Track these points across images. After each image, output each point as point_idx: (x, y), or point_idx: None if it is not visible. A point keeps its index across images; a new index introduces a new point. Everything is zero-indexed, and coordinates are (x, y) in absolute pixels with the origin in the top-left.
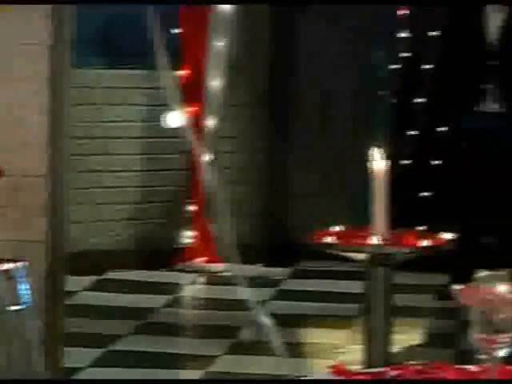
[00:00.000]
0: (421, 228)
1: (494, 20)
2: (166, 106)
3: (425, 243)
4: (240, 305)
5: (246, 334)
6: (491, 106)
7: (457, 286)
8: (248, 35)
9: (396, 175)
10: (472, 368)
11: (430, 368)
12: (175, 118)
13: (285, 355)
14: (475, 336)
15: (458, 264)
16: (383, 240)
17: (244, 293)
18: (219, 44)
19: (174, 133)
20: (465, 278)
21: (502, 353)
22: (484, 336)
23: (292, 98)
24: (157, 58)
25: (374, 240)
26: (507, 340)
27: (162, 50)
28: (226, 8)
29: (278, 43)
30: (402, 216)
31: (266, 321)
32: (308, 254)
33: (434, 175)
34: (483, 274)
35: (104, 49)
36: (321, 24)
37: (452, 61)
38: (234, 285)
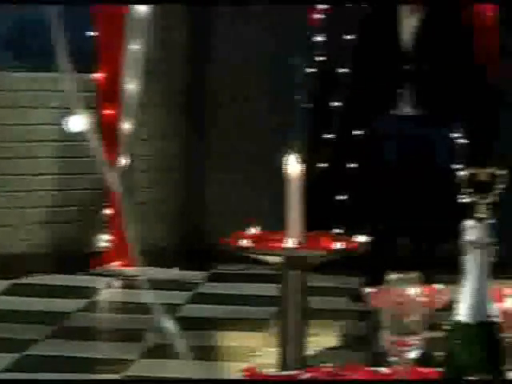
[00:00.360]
0: (336, 231)
1: (409, 24)
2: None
3: (339, 246)
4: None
5: (149, 338)
6: (406, 110)
7: (368, 289)
8: (164, 37)
9: (312, 178)
10: (383, 370)
11: (342, 370)
12: (77, 122)
13: (190, 359)
14: (386, 338)
15: (372, 266)
16: (298, 243)
17: (149, 296)
18: (135, 46)
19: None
20: (378, 280)
21: (412, 355)
22: (395, 338)
23: (208, 101)
24: (59, 60)
25: (289, 243)
26: (418, 342)
27: (63, 52)
28: (142, 9)
29: (194, 45)
30: (318, 219)
31: (170, 325)
32: (224, 257)
33: (350, 178)
34: (394, 276)
35: (18, 51)
36: (238, 25)
37: (367, 64)
38: (148, 289)
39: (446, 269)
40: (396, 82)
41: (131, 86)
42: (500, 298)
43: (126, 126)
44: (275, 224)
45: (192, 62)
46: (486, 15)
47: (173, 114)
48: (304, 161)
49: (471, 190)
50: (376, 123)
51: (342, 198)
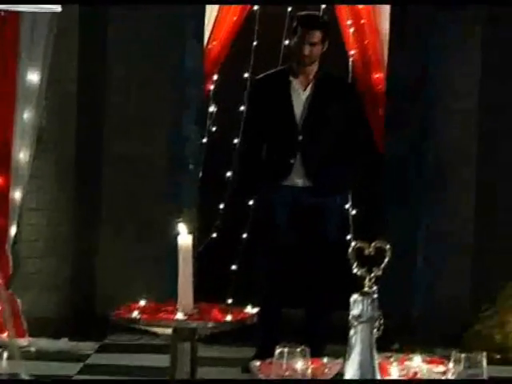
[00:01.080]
0: (228, 301)
1: (300, 96)
2: None
3: (229, 318)
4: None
5: None
6: (297, 181)
7: (256, 362)
8: (56, 106)
9: (205, 248)
10: None
11: None
12: None
13: None
14: None
15: (261, 338)
16: (187, 314)
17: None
18: (26, 115)
19: None
20: (268, 352)
21: None
22: None
23: (99, 169)
24: None
25: (179, 315)
26: None
27: None
28: (34, 79)
29: (85, 115)
30: (210, 289)
31: None
32: (115, 328)
33: (242, 248)
34: (282, 349)
35: None
36: (132, 90)
37: (258, 135)
38: (38, 359)
39: (339, 340)
40: (288, 153)
41: (21, 154)
42: (385, 370)
43: (16, 194)
44: (171, 293)
45: (84, 132)
46: (375, 88)
47: (64, 183)
48: (196, 231)
49: (357, 264)
50: (267, 194)
51: (233, 267)
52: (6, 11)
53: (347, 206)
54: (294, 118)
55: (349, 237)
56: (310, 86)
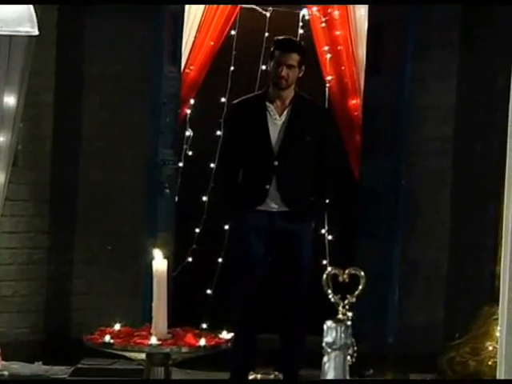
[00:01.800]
0: (203, 326)
1: (276, 122)
2: None
3: (203, 343)
4: None
5: None
6: (272, 205)
7: None
8: (32, 129)
9: (180, 272)
10: None
11: None
12: None
13: None
14: None
15: (235, 364)
16: (161, 339)
17: None
18: (2, 139)
19: None
20: (243, 376)
21: None
22: None
23: (74, 194)
24: None
25: (153, 339)
26: None
27: None
28: (10, 102)
29: (60, 139)
30: (185, 313)
31: None
32: (90, 352)
33: (217, 273)
34: (255, 375)
35: None
36: (106, 114)
37: (233, 159)
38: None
39: (312, 365)
40: (263, 178)
41: None
42: None
43: None
44: (146, 318)
45: (61, 156)
46: (352, 114)
47: (39, 207)
48: (171, 255)
49: (331, 291)
50: (243, 218)
51: (208, 292)
52: None
53: (323, 231)
54: (269, 144)
55: (324, 262)
56: (286, 111)
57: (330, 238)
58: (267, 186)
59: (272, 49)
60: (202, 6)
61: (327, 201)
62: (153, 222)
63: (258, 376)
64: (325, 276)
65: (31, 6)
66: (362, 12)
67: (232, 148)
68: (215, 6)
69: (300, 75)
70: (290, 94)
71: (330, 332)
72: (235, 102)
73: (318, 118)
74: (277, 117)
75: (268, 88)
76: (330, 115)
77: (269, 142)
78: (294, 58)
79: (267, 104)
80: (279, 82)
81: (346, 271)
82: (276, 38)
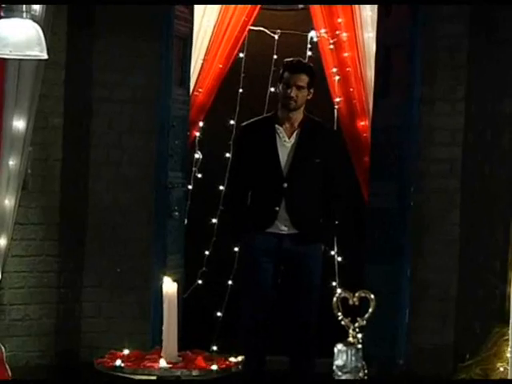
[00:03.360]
0: (213, 348)
1: (285, 144)
2: None
3: (214, 366)
4: None
5: None
6: (282, 228)
7: None
8: (40, 154)
9: (190, 295)
10: None
11: None
12: None
13: None
14: None
15: None
16: (171, 363)
17: None
18: (11, 162)
19: None
20: None
21: None
22: None
23: (83, 217)
24: None
25: (163, 363)
26: None
27: None
28: (20, 126)
29: (70, 163)
30: (195, 335)
31: None
32: (100, 375)
33: (228, 295)
34: None
35: None
36: (114, 135)
37: (242, 181)
38: None
39: None
40: (273, 200)
41: (7, 201)
42: None
43: (1, 242)
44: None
45: (70, 179)
46: (360, 136)
47: (49, 231)
48: (181, 278)
49: (341, 314)
50: (252, 240)
51: (218, 314)
52: None
53: (332, 253)
54: (279, 166)
55: (334, 283)
56: (295, 133)
57: (339, 259)
58: (276, 208)
59: (281, 71)
60: (210, 29)
61: (336, 222)
62: (162, 245)
63: None
64: (335, 299)
65: (40, 31)
66: (370, 34)
67: (241, 170)
68: (223, 28)
69: (309, 97)
70: (299, 116)
71: (341, 355)
72: (244, 124)
73: (326, 140)
74: (286, 139)
75: (277, 110)
76: (338, 137)
77: (278, 164)
78: (303, 80)
79: (276, 126)
80: (288, 103)
81: (356, 294)
82: (285, 59)
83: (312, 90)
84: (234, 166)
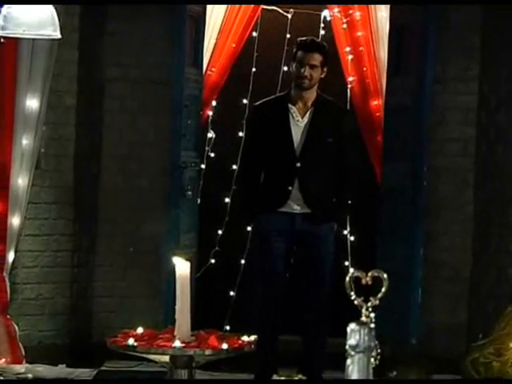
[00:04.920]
0: (226, 328)
1: (298, 124)
2: None
3: (226, 345)
4: None
5: None
6: (295, 207)
7: None
8: (55, 133)
9: (203, 274)
10: None
11: None
12: None
13: None
14: None
15: (259, 365)
16: (185, 342)
17: None
18: (25, 141)
19: None
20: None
21: None
22: None
23: (96, 196)
24: None
25: (176, 342)
26: None
27: None
28: (33, 105)
29: (83, 142)
30: (208, 315)
31: None
32: (113, 354)
33: (240, 274)
34: (279, 377)
35: None
36: (129, 117)
37: (255, 161)
38: None
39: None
40: (285, 179)
41: (20, 181)
42: None
43: (15, 221)
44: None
45: (84, 159)
46: (373, 115)
47: (62, 210)
48: (193, 258)
49: (354, 293)
50: (265, 220)
51: (231, 293)
52: (4, 38)
53: (345, 233)
54: (292, 145)
55: (346, 263)
56: (308, 113)
57: (352, 239)
58: (289, 188)
59: (294, 50)
60: (223, 9)
61: (349, 202)
62: (175, 224)
63: (282, 378)
64: (347, 279)
65: (53, 11)
66: (383, 13)
67: (254, 149)
68: (236, 8)
69: (322, 76)
70: (312, 95)
71: (354, 335)
72: (257, 103)
73: (339, 119)
74: (299, 118)
75: (290, 89)
76: (351, 116)
77: (291, 143)
78: (317, 59)
79: (289, 106)
80: (302, 82)
81: (369, 274)
82: (299, 38)
83: (325, 69)
84: (246, 146)
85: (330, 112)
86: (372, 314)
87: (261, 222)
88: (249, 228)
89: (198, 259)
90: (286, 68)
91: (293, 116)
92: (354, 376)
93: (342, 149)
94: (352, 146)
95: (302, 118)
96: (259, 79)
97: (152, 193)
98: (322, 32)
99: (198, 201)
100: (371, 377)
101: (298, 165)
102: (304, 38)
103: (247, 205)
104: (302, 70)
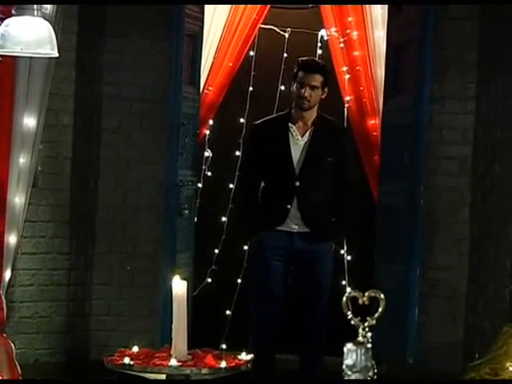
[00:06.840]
0: (223, 346)
1: (298, 143)
2: None
3: (223, 364)
4: None
5: None
6: (293, 226)
7: None
8: (51, 151)
9: (200, 293)
10: None
11: None
12: None
13: None
14: None
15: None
16: (181, 361)
17: None
18: (22, 160)
19: None
20: None
21: None
22: None
23: (93, 215)
24: None
25: (172, 361)
26: None
27: None
28: (30, 124)
29: (80, 161)
30: (204, 334)
31: None
32: (109, 373)
33: (237, 293)
34: None
35: None
36: (126, 135)
37: (254, 179)
38: None
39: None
40: (284, 198)
41: (17, 199)
42: None
43: (11, 239)
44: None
45: (80, 177)
46: (370, 135)
47: (59, 228)
48: (190, 277)
49: (350, 313)
50: (262, 238)
51: (228, 312)
52: (2, 56)
53: (342, 252)
54: (291, 164)
55: (344, 282)
56: (308, 132)
57: (348, 258)
58: (288, 206)
59: (295, 70)
60: (220, 27)
61: (346, 221)
62: (172, 243)
63: None
64: (344, 299)
65: (51, 29)
66: (380, 32)
67: (252, 168)
68: (234, 27)
69: (323, 96)
70: (312, 115)
71: (351, 355)
72: (258, 122)
73: (339, 138)
74: (299, 137)
75: (291, 109)
76: (348, 135)
77: (290, 162)
78: (318, 80)
79: (290, 125)
80: (302, 103)
81: (366, 294)
82: (299, 58)
83: (326, 90)
84: (245, 164)
85: (329, 131)
86: (369, 334)
87: (258, 240)
88: (245, 247)
89: (195, 278)
90: (283, 87)
91: (292, 135)
92: None
93: (339, 167)
94: (350, 165)
95: (302, 136)
96: (256, 98)
97: (149, 211)
98: (319, 51)
99: (195, 219)
100: None
101: (297, 183)
102: (305, 59)
103: (245, 223)
104: (303, 91)
